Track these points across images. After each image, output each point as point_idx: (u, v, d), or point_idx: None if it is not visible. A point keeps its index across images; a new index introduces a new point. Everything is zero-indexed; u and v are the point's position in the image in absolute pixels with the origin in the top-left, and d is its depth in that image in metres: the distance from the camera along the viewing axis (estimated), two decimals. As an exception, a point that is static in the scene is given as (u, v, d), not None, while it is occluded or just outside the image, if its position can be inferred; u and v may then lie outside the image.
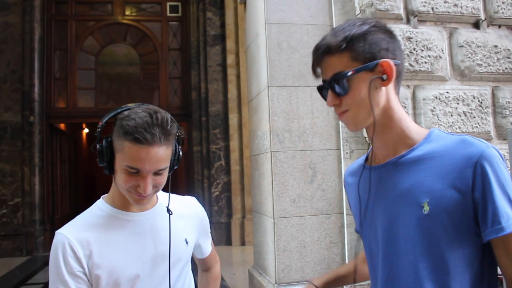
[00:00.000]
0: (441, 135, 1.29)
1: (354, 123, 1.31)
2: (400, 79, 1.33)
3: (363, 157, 1.50)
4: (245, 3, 4.44)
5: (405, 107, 3.56)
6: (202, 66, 10.58)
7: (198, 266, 1.92)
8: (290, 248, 3.58)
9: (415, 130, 1.32)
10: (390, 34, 1.31)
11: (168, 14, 11.11)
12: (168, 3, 11.12)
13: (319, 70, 1.33)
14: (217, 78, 10.50)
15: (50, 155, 10.50)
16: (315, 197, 3.65)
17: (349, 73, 1.24)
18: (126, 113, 1.44)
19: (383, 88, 1.27)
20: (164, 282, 1.55)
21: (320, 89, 1.35)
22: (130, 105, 1.49)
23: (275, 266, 3.57)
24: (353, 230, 3.64)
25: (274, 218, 3.57)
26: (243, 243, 9.95)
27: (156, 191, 1.49)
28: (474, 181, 1.16)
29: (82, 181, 14.96)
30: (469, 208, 1.17)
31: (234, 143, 10.30)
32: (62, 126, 12.13)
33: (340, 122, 3.66)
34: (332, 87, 1.28)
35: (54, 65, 10.52)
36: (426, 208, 1.21)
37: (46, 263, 8.00)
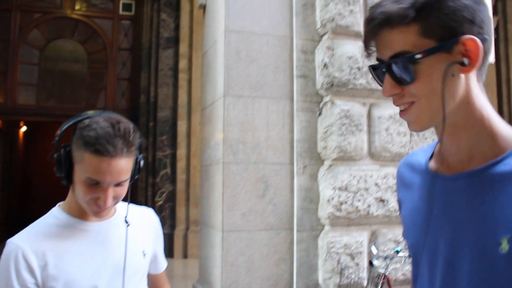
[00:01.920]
0: None
1: (419, 120, 1.01)
2: (486, 62, 1.02)
3: (427, 153, 1.17)
4: (204, 7, 4.45)
5: (360, 124, 3.66)
6: (153, 69, 10.47)
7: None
8: (238, 263, 3.59)
9: (505, 135, 0.99)
10: (479, 0, 0.98)
11: (121, 12, 10.96)
12: (121, 1, 10.97)
13: (373, 45, 1.04)
14: (168, 83, 10.41)
15: (-18, 153, 10.12)
16: (266, 211, 3.68)
17: (418, 56, 0.95)
18: (86, 122, 1.42)
19: (462, 75, 0.98)
20: None
21: (374, 69, 1.06)
22: (91, 113, 1.46)
23: (221, 281, 3.56)
24: (302, 247, 3.69)
25: (223, 231, 3.57)
26: (185, 256, 9.86)
27: (117, 202, 1.49)
28: None
29: (17, 182, 14.45)
30: None
31: (181, 151, 10.22)
32: (-2, 122, 11.74)
33: (295, 136, 3.72)
34: (392, 72, 0.99)
35: (-7, 57, 10.20)
36: (505, 247, 0.91)
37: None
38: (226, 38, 3.71)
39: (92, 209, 1.45)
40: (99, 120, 1.40)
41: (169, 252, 9.94)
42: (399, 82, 0.98)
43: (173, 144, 10.26)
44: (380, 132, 3.72)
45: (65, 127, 1.48)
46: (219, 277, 3.62)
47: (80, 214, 1.53)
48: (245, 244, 3.61)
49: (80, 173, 1.40)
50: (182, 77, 10.32)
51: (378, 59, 1.03)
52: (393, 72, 0.98)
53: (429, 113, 0.99)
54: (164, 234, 8.88)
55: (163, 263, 1.84)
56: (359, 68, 3.69)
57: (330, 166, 3.63)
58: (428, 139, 3.86)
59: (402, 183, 1.23)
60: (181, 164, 10.20)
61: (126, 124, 1.42)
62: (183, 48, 10.38)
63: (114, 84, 10.78)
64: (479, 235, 0.95)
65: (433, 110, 0.98)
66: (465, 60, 0.95)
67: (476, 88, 1.00)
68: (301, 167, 3.75)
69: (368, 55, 1.05)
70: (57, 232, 1.50)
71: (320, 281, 3.66)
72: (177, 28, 10.48)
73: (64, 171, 1.44)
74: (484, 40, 0.96)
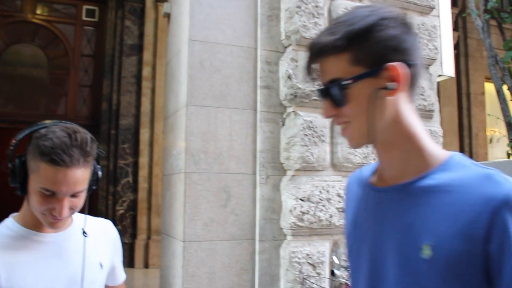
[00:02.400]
0: (462, 163, 1.09)
1: (354, 138, 1.15)
2: (415, 85, 1.14)
3: (371, 169, 1.31)
4: (169, 16, 4.46)
5: (323, 136, 3.71)
6: (116, 76, 10.38)
7: None
8: (199, 274, 3.58)
9: (431, 152, 1.12)
10: (404, 28, 1.10)
11: (84, 18, 10.83)
12: (85, 6, 10.85)
13: (316, 70, 1.16)
14: (131, 90, 10.34)
15: None
16: (228, 221, 3.69)
17: (348, 82, 1.08)
18: (42, 131, 1.41)
19: (390, 98, 1.09)
20: None
21: (319, 91, 1.17)
22: (47, 122, 1.46)
23: (182, 292, 3.55)
24: (264, 257, 3.71)
25: (184, 241, 3.57)
26: (146, 266, 9.76)
27: (73, 213, 1.48)
28: (490, 232, 0.97)
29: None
30: (478, 260, 0.98)
31: (143, 160, 10.15)
32: (-48, 127, 11.41)
33: (258, 146, 3.75)
34: (328, 96, 1.12)
35: None
36: (427, 253, 1.02)
37: None
38: (190, 47, 3.73)
39: (47, 220, 1.43)
40: (55, 129, 1.40)
41: (130, 262, 9.82)
42: (335, 104, 1.11)
43: (135, 153, 10.17)
44: (343, 143, 3.78)
45: (21, 136, 1.46)
46: (179, 287, 3.60)
47: (34, 225, 1.51)
48: (206, 254, 3.61)
49: (35, 183, 1.39)
50: (146, 85, 10.27)
51: (321, 83, 1.16)
52: (329, 96, 1.11)
53: (360, 132, 1.11)
54: (125, 244, 8.76)
55: (121, 275, 1.83)
56: (322, 80, 3.75)
57: (293, 176, 3.67)
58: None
59: (348, 196, 1.37)
60: (143, 173, 10.12)
61: (83, 134, 1.41)
62: (147, 55, 10.33)
63: (76, 91, 10.64)
64: (403, 242, 1.07)
65: (364, 130, 1.10)
66: (391, 85, 1.07)
67: (405, 109, 1.11)
68: (264, 177, 3.78)
69: (312, 79, 1.18)
70: (10, 244, 1.47)
71: (282, 291, 3.69)
72: (141, 35, 10.43)
73: (18, 181, 1.43)
74: (411, 66, 1.08)
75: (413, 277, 1.04)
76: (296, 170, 3.66)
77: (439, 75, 4.48)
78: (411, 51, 1.09)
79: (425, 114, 4.18)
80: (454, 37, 6.67)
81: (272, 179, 3.79)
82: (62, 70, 10.68)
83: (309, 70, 1.17)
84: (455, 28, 11.67)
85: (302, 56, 3.74)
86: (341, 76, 1.08)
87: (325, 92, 1.13)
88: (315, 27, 3.80)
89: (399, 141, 1.12)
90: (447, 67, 4.48)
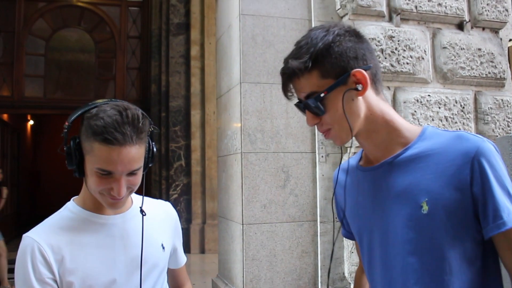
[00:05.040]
0: (435, 132, 1.34)
1: (340, 139, 1.35)
2: (378, 80, 1.38)
3: (356, 157, 1.55)
4: (217, -9, 4.46)
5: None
6: (164, 57, 10.49)
7: (169, 284, 1.91)
8: (260, 257, 3.61)
9: (407, 129, 1.37)
10: (356, 38, 1.33)
11: (128, -1, 11.01)
12: (129, -13, 11.02)
13: (291, 91, 1.38)
14: (179, 71, 10.42)
15: (-10, 148, 10.26)
16: (288, 203, 3.69)
17: (322, 95, 1.28)
18: (94, 111, 1.43)
19: (360, 97, 1.32)
20: None
21: (298, 106, 1.39)
22: (98, 101, 1.48)
23: (243, 276, 3.59)
24: (327, 239, 3.71)
25: (243, 224, 3.60)
26: (202, 251, 9.93)
27: (131, 192, 1.50)
28: (472, 177, 1.21)
29: (26, 177, 14.64)
30: (469, 205, 1.22)
31: (195, 142, 10.24)
32: (5, 116, 11.87)
33: (316, 124, 3.72)
34: (309, 108, 1.32)
35: (-2, 49, 10.31)
36: (425, 208, 1.26)
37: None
38: (241, 22, 3.72)
39: (106, 201, 1.47)
40: (106, 108, 1.41)
41: (185, 247, 9.97)
42: (316, 114, 1.32)
43: (187, 135, 10.28)
44: (407, 117, 3.70)
45: (73, 118, 1.49)
46: (240, 272, 3.65)
47: (95, 207, 1.55)
48: (266, 237, 3.64)
49: (91, 164, 1.42)
50: (195, 64, 10.31)
51: (298, 99, 1.36)
52: (309, 108, 1.32)
53: (343, 133, 1.33)
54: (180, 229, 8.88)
55: (182, 257, 1.86)
56: (382, 50, 3.67)
57: (354, 154, 3.63)
58: (458, 124, 3.84)
59: (338, 186, 1.59)
60: (195, 156, 10.23)
61: (134, 110, 1.43)
62: (194, 34, 10.36)
63: (124, 74, 10.85)
64: (404, 203, 1.29)
65: (345, 130, 1.32)
66: (359, 86, 1.29)
67: (376, 101, 1.35)
68: (323, 156, 3.75)
69: (288, 98, 1.39)
70: (73, 226, 1.52)
71: (346, 274, 3.67)
72: (187, 13, 10.45)
73: (75, 164, 1.46)
74: (368, 68, 1.31)
75: (419, 233, 1.27)
76: (357, 147, 3.60)
77: (511, 39, 4.31)
78: (366, 55, 1.32)
79: (495, 82, 4.03)
80: None
81: (332, 157, 3.76)
82: (109, 53, 10.90)
83: (285, 92, 1.37)
84: None
85: (360, 26, 3.67)
86: (315, 90, 1.29)
87: (304, 106, 1.33)
88: (372, -6, 3.71)
89: (379, 128, 1.35)
90: (519, 30, 4.30)
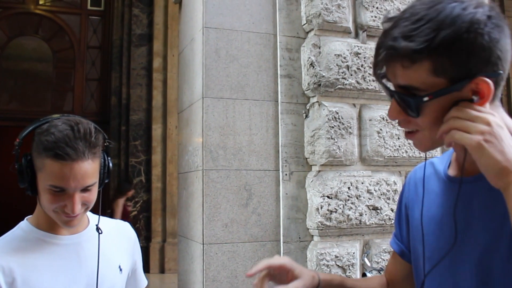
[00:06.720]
0: None
1: (425, 146, 1.12)
2: (500, 86, 1.05)
3: (445, 160, 1.27)
4: (180, 2, 4.45)
5: (350, 127, 3.67)
6: (125, 69, 10.43)
7: None
8: (220, 278, 3.58)
9: None
10: (498, 32, 0.99)
11: (89, 7, 10.91)
12: (90, -5, 10.93)
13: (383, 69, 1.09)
14: (141, 83, 10.37)
15: None
16: (250, 222, 3.67)
17: (425, 99, 1.01)
18: (45, 126, 1.43)
19: None
20: None
21: (385, 88, 1.12)
22: (50, 117, 1.47)
23: (202, 298, 3.55)
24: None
25: (203, 244, 3.56)
26: (162, 271, 9.83)
27: (87, 210, 1.49)
28: None
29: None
30: None
31: (156, 157, 10.19)
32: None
33: (280, 140, 3.72)
34: (400, 104, 1.07)
35: None
36: None
37: None
38: (205, 35, 3.71)
39: (61, 219, 1.45)
40: (57, 123, 1.42)
41: (144, 266, 9.78)
42: (405, 111, 1.06)
43: (148, 150, 10.22)
44: (372, 135, 3.74)
45: (24, 134, 1.49)
46: (199, 294, 3.61)
47: (49, 227, 1.53)
48: (227, 257, 3.60)
49: (43, 182, 1.41)
50: (157, 77, 10.28)
51: (388, 81, 1.09)
52: (401, 101, 1.05)
53: (432, 140, 1.08)
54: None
55: (143, 280, 1.84)
56: (348, 67, 3.71)
57: (319, 172, 3.64)
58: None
59: (412, 192, 1.34)
60: (156, 171, 10.16)
61: (87, 125, 1.43)
62: (157, 46, 10.34)
63: (83, 85, 10.71)
64: (497, 232, 1.03)
65: (436, 138, 1.05)
66: (475, 98, 0.99)
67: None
68: (287, 174, 3.75)
69: (380, 80, 1.11)
70: (25, 247, 1.49)
71: (309, 296, 3.66)
72: (150, 24, 10.44)
73: (27, 181, 1.45)
74: (498, 75, 1.00)
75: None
76: (322, 165, 3.63)
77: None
78: (502, 59, 1.01)
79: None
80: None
81: (296, 176, 3.77)
82: (68, 64, 10.75)
83: (376, 70, 1.10)
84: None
85: (325, 42, 3.70)
86: (417, 86, 1.02)
87: (397, 96, 1.07)
88: (338, 10, 3.76)
89: None
90: None
